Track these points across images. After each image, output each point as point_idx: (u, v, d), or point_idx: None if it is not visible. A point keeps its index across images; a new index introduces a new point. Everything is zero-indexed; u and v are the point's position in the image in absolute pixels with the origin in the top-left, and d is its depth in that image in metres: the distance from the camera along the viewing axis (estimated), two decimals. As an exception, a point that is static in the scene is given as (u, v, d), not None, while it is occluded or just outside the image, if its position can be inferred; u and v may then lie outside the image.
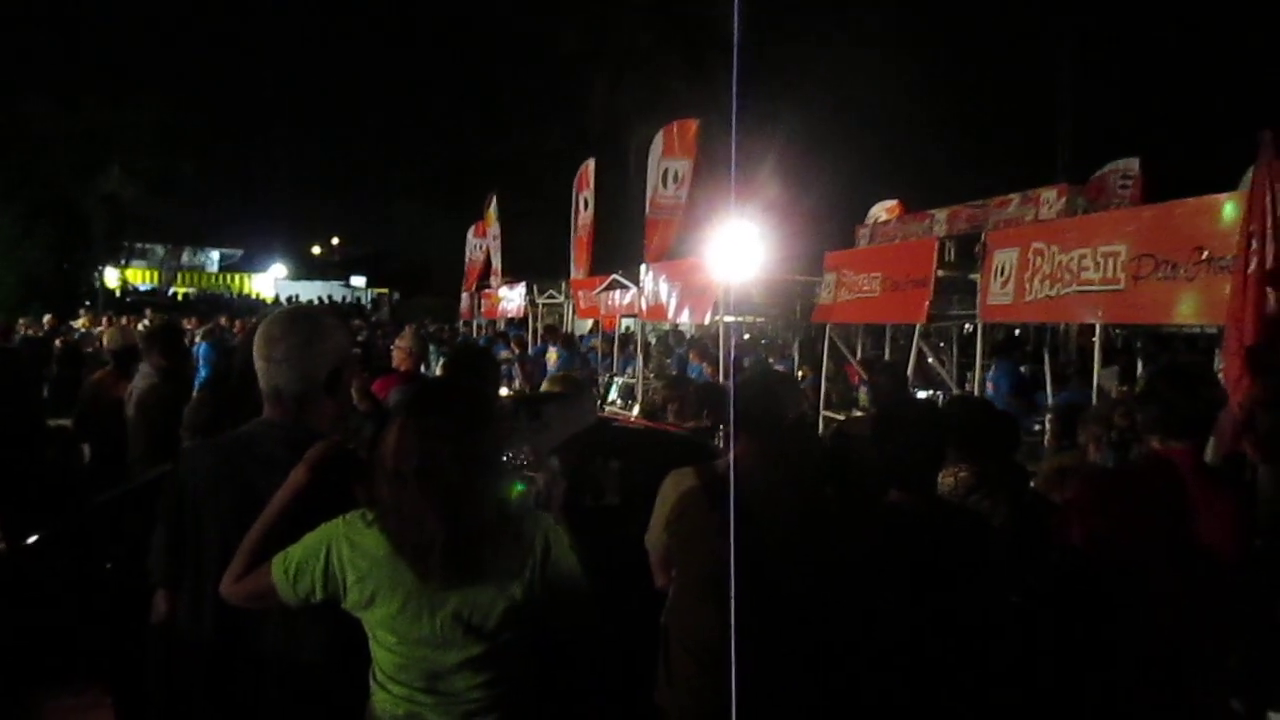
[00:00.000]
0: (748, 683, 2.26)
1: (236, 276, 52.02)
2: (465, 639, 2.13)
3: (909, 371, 7.75)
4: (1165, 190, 7.07)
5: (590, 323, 16.75)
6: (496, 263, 18.98)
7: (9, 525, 4.02)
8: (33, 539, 3.99)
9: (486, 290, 19.79)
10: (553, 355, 13.76)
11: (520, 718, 2.24)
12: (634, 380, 12.07)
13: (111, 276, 43.35)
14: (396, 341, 6.60)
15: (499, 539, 2.13)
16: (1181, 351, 9.65)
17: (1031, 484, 4.13)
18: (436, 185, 37.78)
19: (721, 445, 5.17)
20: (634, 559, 3.07)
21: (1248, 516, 2.90)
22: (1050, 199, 9.47)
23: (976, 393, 7.45)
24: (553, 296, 17.13)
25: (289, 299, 41.09)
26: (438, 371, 9.17)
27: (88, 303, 33.71)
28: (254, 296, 47.42)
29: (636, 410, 10.43)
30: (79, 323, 21.44)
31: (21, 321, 18.85)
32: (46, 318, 19.13)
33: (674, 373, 13.16)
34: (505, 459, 2.38)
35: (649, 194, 11.55)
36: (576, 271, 14.11)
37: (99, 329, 17.50)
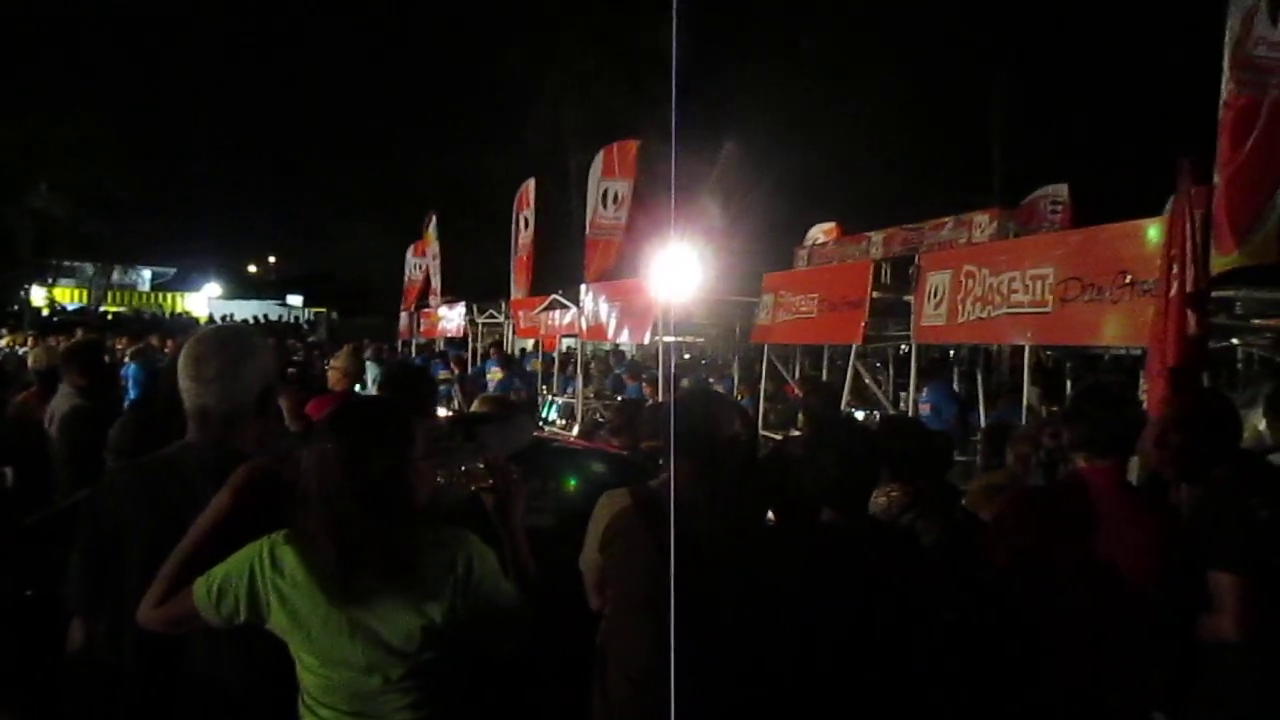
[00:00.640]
0: (683, 703, 2.25)
1: (169, 295, 50.96)
2: (387, 660, 2.10)
3: (845, 392, 7.84)
4: (1094, 215, 7.25)
5: (531, 342, 16.70)
6: (436, 282, 18.84)
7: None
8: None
9: (426, 310, 19.62)
10: (497, 373, 13.68)
11: None
12: (574, 400, 12.07)
13: (38, 295, 42.22)
14: (331, 361, 6.54)
15: (403, 559, 2.09)
16: (1108, 372, 9.89)
17: (963, 502, 4.19)
18: (376, 204, 37.37)
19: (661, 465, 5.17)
20: (570, 581, 3.05)
21: (1169, 533, 2.97)
22: (983, 223, 9.66)
23: (910, 413, 7.55)
24: (493, 316, 17.05)
25: (223, 318, 40.30)
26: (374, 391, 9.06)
27: (11, 321, 32.73)
28: (187, 316, 46.46)
29: (576, 430, 10.43)
30: (2, 341, 20.82)
31: (-58, 341, 18.27)
32: (-32, 337, 18.57)
33: (610, 393, 13.20)
34: (447, 478, 2.33)
35: (589, 214, 11.56)
36: (517, 291, 14.06)
37: (23, 348, 17.01)
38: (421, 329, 20.22)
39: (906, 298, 6.99)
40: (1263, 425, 4.42)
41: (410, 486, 2.13)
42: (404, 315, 22.12)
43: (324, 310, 47.40)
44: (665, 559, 2.42)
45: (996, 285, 5.75)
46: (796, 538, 2.90)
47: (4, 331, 24.97)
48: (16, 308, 38.36)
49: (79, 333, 22.40)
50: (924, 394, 8.54)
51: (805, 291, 8.05)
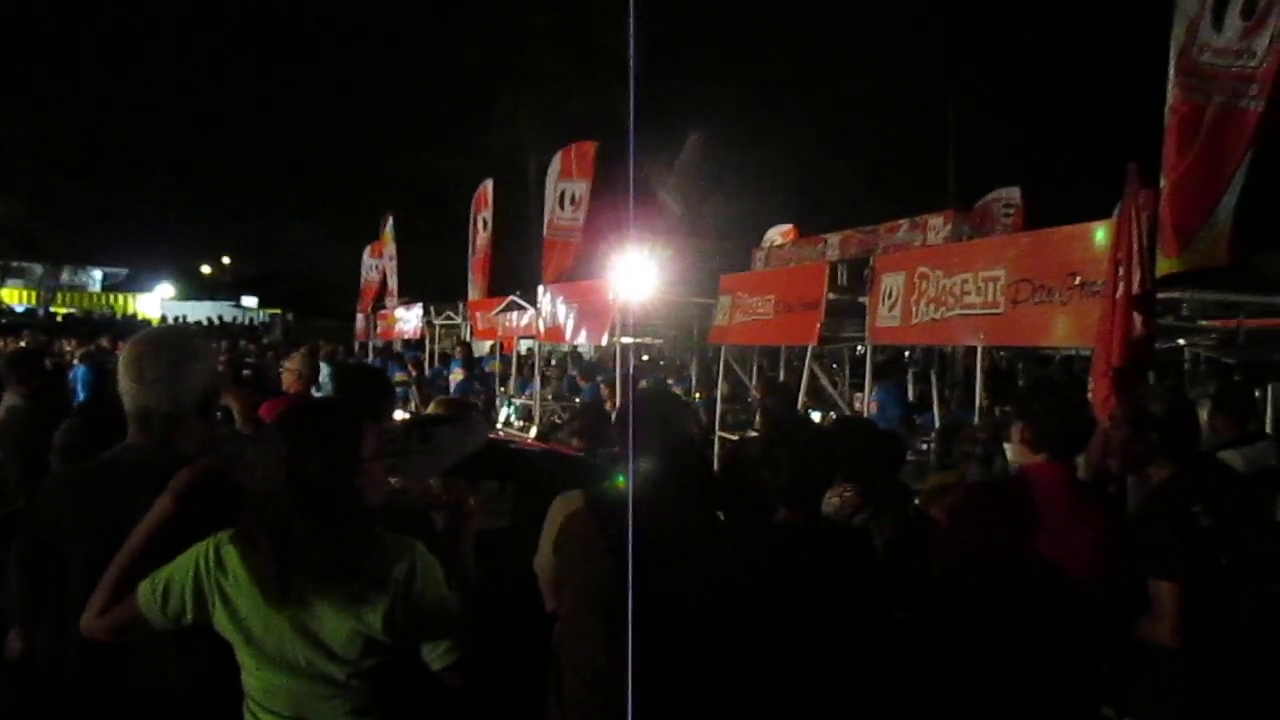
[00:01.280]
0: (638, 703, 2.25)
1: (121, 296, 49.99)
2: (329, 664, 2.07)
3: (802, 392, 7.88)
4: (1046, 218, 7.36)
5: (489, 344, 16.62)
6: (393, 283, 18.66)
7: None
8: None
9: (383, 311, 19.45)
10: (459, 374, 13.60)
11: None
12: (531, 402, 12.03)
13: (-16, 296, 41.41)
14: (285, 363, 6.44)
15: (342, 562, 2.05)
16: (1058, 372, 10.04)
17: (915, 501, 4.23)
18: (332, 204, 37.07)
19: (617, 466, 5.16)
20: (526, 582, 3.04)
21: (1116, 529, 3.02)
22: (937, 225, 9.79)
23: (865, 413, 7.62)
24: (450, 317, 16.94)
25: (176, 319, 39.68)
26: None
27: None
28: (139, 317, 45.66)
29: (534, 432, 10.40)
30: (-55, 345, 20.32)
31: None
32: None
33: (566, 394, 13.18)
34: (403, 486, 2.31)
35: (547, 215, 11.54)
36: (474, 292, 13.99)
37: (-33, 351, 16.60)
38: (379, 330, 20.03)
39: (862, 299, 7.05)
40: (1207, 422, 4.51)
41: (354, 488, 2.09)
42: (361, 317, 21.88)
43: (279, 312, 46.76)
44: (617, 560, 2.41)
45: (950, 287, 5.81)
46: (750, 537, 2.91)
47: (-53, 334, 24.38)
48: (-39, 309, 37.57)
49: (26, 335, 22.00)
50: (874, 393, 8.63)
51: (762, 293, 8.08)
